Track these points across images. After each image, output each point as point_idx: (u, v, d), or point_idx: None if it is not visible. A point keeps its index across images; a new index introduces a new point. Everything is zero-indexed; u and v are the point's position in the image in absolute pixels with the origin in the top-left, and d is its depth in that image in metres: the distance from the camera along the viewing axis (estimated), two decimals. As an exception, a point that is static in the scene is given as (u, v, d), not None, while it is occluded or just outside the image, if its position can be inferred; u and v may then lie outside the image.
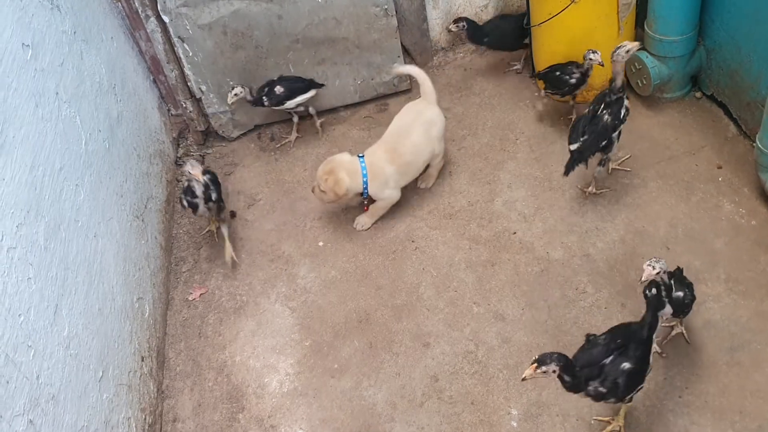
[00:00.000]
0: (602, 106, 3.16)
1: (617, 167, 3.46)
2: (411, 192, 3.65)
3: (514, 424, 2.73)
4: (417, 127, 3.43)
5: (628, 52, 3.03)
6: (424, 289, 3.24)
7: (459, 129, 3.91)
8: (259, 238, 3.62)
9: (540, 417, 2.73)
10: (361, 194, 3.43)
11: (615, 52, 3.04)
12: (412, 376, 2.96)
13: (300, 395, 2.99)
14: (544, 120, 3.85)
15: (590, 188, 3.40)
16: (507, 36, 4.06)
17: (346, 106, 4.14)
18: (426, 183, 3.65)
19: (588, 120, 3.18)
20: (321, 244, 3.52)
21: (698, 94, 3.70)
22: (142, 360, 2.98)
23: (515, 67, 4.20)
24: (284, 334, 3.21)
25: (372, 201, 3.50)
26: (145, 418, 2.86)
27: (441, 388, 2.90)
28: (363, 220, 3.55)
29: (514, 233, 3.36)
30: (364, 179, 3.37)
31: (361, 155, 3.42)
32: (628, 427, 2.61)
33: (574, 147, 3.19)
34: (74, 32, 3.04)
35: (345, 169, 3.34)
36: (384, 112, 4.12)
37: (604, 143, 3.18)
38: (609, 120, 3.14)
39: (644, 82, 3.62)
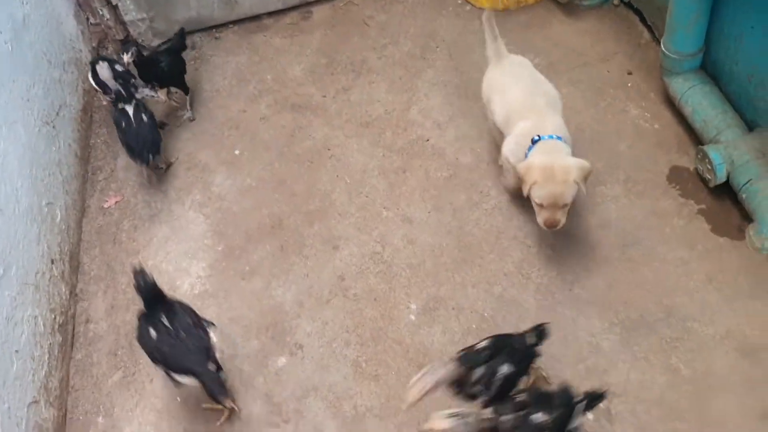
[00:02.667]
0: None
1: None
2: (330, 101, 3.66)
3: (413, 318, 2.83)
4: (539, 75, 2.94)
5: None
6: (337, 196, 3.29)
7: (381, 37, 3.88)
8: (176, 146, 3.61)
9: (437, 311, 2.83)
10: None
11: None
12: (320, 276, 3.03)
13: (210, 296, 3.06)
14: (466, 28, 3.84)
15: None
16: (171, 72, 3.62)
17: (269, 14, 4.07)
18: None
19: None
20: (237, 152, 3.53)
21: (616, 1, 3.71)
22: (52, 263, 3.01)
23: (187, 115, 3.72)
24: (197, 239, 3.25)
25: None
26: (55, 318, 2.91)
27: (347, 286, 2.98)
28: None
29: (428, 140, 3.39)
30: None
31: (542, 136, 2.70)
32: (517, 316, 2.73)
33: None
34: (-34, -72, 2.95)
35: (564, 153, 2.68)
36: (308, 20, 4.07)
37: None
38: None
39: (562, -11, 3.61)
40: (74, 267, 3.21)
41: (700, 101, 2.98)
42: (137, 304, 3.03)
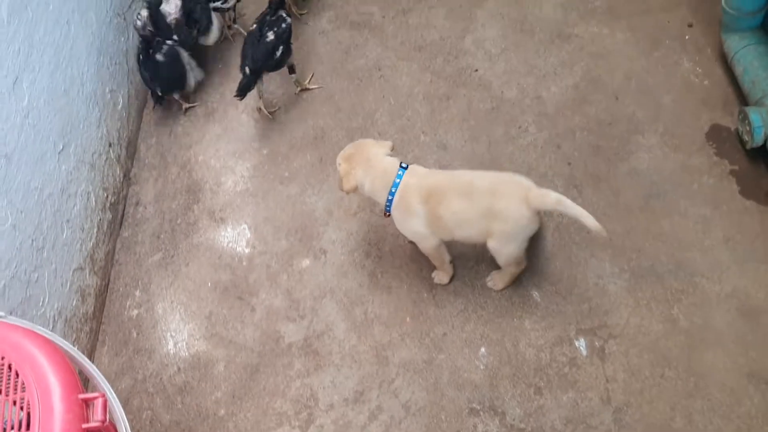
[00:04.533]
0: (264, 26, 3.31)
1: (308, 87, 3.57)
2: (388, 22, 3.72)
3: (432, 240, 2.97)
4: (485, 196, 2.46)
5: None
6: (379, 116, 3.40)
7: (447, -36, 3.89)
8: (233, 53, 3.76)
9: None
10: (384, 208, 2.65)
11: None
12: (352, 190, 3.19)
13: (250, 195, 3.27)
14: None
15: (261, 106, 3.48)
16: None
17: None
18: (493, 283, 2.82)
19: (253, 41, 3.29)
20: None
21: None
22: (110, 146, 3.26)
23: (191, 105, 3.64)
24: (245, 141, 3.45)
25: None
26: (107, 197, 3.18)
27: (375, 201, 3.12)
28: (439, 276, 2.88)
29: (476, 70, 3.44)
30: (391, 196, 2.57)
31: (405, 165, 2.59)
32: (533, 251, 2.82)
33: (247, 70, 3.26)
34: None
35: (370, 164, 2.57)
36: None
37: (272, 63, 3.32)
38: (272, 39, 3.28)
39: (637, -69, 3.51)
40: (131, 153, 3.46)
41: (752, 61, 2.91)
42: (184, 195, 3.31)
